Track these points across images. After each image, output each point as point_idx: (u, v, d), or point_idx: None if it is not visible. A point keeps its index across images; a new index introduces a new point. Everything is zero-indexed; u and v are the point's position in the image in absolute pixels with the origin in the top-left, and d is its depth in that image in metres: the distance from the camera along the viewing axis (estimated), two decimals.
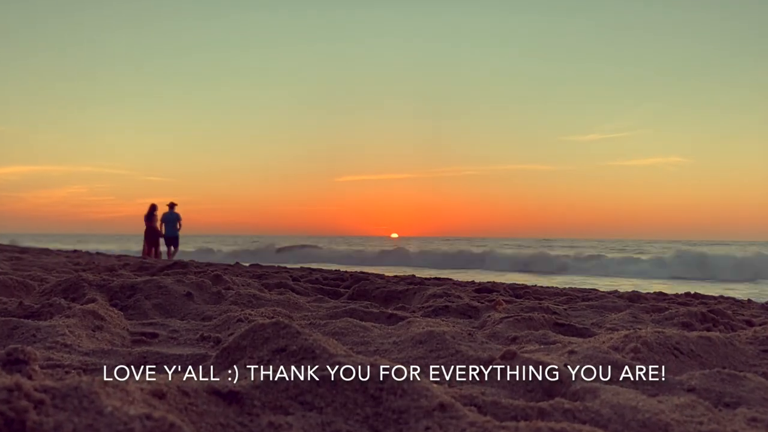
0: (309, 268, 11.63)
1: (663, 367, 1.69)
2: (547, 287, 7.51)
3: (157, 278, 3.41)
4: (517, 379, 1.47)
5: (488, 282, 8.12)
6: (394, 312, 3.08)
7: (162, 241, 14.88)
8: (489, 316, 2.90)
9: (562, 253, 25.38)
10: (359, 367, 1.16)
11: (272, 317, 2.60)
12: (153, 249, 14.81)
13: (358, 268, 14.65)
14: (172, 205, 14.56)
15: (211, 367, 1.40)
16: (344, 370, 1.16)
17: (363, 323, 2.34)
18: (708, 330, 2.84)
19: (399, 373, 1.15)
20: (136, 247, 33.25)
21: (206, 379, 1.18)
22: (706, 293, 7.39)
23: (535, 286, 7.62)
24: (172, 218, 14.46)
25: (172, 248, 14.89)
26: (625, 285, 12.72)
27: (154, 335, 2.29)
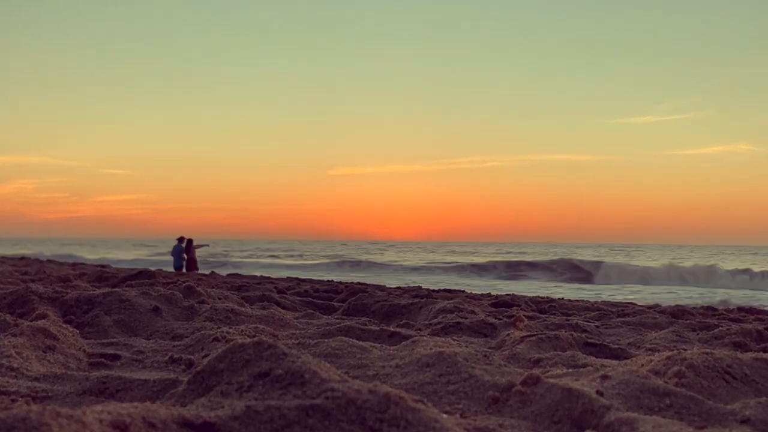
0: (297, 279, 11.65)
1: (712, 394, 1.69)
2: (576, 301, 7.51)
3: (118, 290, 3.42)
4: (542, 408, 1.47)
5: (507, 294, 8.13)
6: (397, 330, 3.08)
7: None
8: (508, 335, 2.90)
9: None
10: (356, 394, 1.16)
11: (254, 336, 2.60)
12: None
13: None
14: (181, 239, 17.04)
15: (183, 394, 1.40)
16: (338, 397, 1.16)
17: (360, 343, 2.34)
18: (765, 351, 2.84)
19: (402, 401, 1.15)
20: (89, 255, 33.38)
21: (176, 408, 1.18)
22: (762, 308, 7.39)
23: (562, 299, 7.62)
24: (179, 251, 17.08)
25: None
26: (669, 298, 12.73)
27: (116, 357, 2.29)
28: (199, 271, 16.18)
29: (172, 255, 17.14)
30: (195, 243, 17.11)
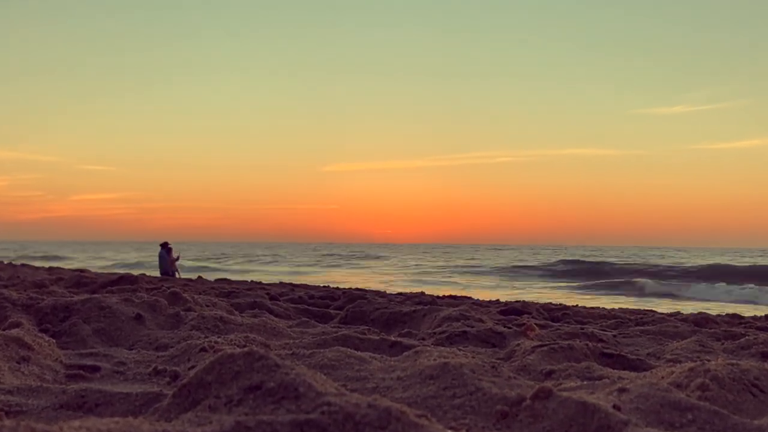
0: (291, 284, 11.65)
1: (738, 408, 1.69)
2: (592, 308, 7.51)
3: (98, 297, 3.42)
4: (554, 423, 1.47)
5: (517, 301, 8.13)
6: (399, 339, 3.08)
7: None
8: (518, 345, 2.90)
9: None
10: (354, 408, 1.16)
11: (244, 346, 2.60)
12: None
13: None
14: (164, 245, 17.67)
15: (167, 408, 1.40)
16: (335, 412, 1.16)
17: (359, 353, 2.34)
18: None
19: (404, 415, 1.15)
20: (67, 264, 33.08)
21: (160, 423, 1.17)
22: None
23: (576, 306, 7.63)
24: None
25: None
26: (690, 306, 12.74)
27: (95, 368, 2.29)
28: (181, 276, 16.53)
29: (160, 261, 17.77)
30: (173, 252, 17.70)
